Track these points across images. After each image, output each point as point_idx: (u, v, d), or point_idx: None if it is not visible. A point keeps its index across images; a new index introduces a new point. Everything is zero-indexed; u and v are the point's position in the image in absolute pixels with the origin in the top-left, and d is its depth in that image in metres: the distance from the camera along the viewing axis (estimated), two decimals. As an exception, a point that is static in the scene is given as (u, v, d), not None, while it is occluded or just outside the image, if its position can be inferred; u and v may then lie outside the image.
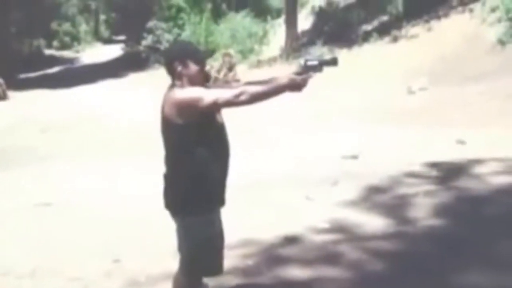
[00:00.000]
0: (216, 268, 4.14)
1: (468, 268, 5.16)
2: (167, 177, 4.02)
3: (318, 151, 10.07)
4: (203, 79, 4.00)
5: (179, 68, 3.92)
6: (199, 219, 3.95)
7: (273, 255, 5.80)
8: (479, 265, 5.21)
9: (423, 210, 6.72)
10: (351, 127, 11.79)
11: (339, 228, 6.37)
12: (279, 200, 7.42)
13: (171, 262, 5.62)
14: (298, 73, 3.81)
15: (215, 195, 4.01)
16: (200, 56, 4.06)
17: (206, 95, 3.79)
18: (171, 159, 3.98)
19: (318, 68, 3.83)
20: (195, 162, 3.88)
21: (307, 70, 3.81)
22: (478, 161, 8.35)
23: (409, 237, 6.04)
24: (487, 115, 11.42)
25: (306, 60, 3.84)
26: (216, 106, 3.83)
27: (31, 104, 19.78)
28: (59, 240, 6.58)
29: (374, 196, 7.34)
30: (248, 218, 6.81)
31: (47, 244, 6.52)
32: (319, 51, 4.42)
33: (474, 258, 5.37)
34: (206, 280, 4.27)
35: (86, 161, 10.84)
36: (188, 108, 3.78)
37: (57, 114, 16.82)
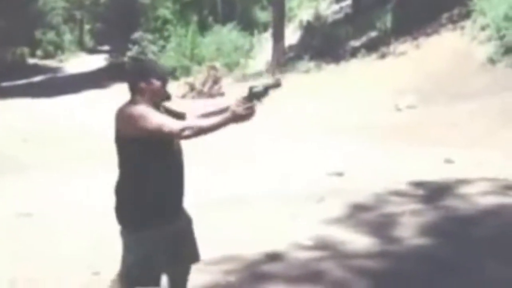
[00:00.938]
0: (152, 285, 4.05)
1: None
2: (115, 192, 4.06)
3: (303, 167, 9.94)
4: (165, 96, 4.10)
5: (143, 84, 4.02)
6: (140, 235, 3.95)
7: (256, 271, 5.68)
8: (465, 286, 5.09)
9: (409, 229, 6.61)
10: (337, 144, 11.69)
11: (323, 245, 6.24)
12: (263, 217, 7.27)
13: None
14: (244, 101, 3.83)
15: (159, 213, 3.96)
16: (162, 73, 4.17)
17: (154, 118, 3.85)
18: (119, 174, 4.04)
19: (263, 93, 3.89)
20: (138, 178, 3.95)
21: (253, 97, 3.86)
22: (465, 181, 8.26)
23: (394, 256, 5.92)
24: (476, 134, 11.36)
25: (251, 88, 3.91)
26: (159, 133, 3.84)
27: (13, 113, 19.55)
28: (39, 251, 6.44)
29: (359, 214, 7.22)
30: (231, 234, 6.67)
31: (26, 255, 6.38)
32: (265, 80, 4.47)
33: (460, 279, 5.27)
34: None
35: (68, 172, 10.66)
36: (135, 124, 3.85)
37: (39, 124, 16.62)
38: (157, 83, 4.04)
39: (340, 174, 9.13)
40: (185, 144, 4.08)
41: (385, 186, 8.16)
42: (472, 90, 14.62)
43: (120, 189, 4.03)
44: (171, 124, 3.85)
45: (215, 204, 7.83)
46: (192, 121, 3.97)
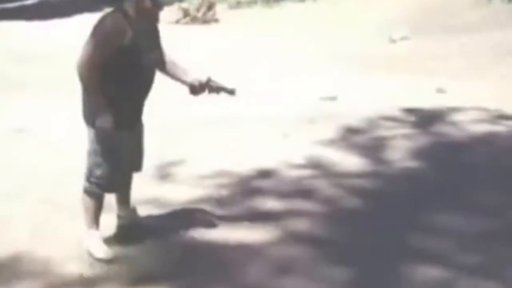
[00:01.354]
0: (112, 185, 4.41)
1: (441, 210, 5.14)
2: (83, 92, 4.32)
3: (295, 92, 9.90)
4: (154, 19, 4.30)
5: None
6: (101, 132, 4.21)
7: (247, 187, 5.74)
8: (453, 207, 5.19)
9: (399, 152, 6.68)
10: (330, 72, 11.62)
11: (314, 164, 6.30)
12: (255, 136, 7.30)
13: (149, 186, 5.61)
14: (199, 83, 4.40)
15: (121, 117, 4.16)
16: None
17: (96, 44, 4.10)
18: None
19: (215, 90, 4.47)
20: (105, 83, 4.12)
21: (205, 87, 4.43)
22: (457, 109, 8.29)
23: (384, 176, 6.00)
24: (469, 67, 11.32)
25: (209, 80, 4.41)
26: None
27: (6, 35, 19.29)
28: (30, 165, 6.44)
29: (352, 137, 7.26)
30: (223, 151, 6.72)
31: (17, 168, 6.38)
32: (224, 85, 4.79)
33: (448, 200, 5.35)
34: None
35: (59, 92, 10.61)
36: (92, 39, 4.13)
37: (33, 45, 16.41)
38: (149, 3, 4.15)
39: (332, 99, 9.12)
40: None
41: (378, 112, 8.17)
42: (466, 24, 14.54)
43: (87, 92, 4.27)
44: (89, 59, 4.09)
45: (207, 123, 7.85)
46: (93, 77, 4.11)
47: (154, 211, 5.15)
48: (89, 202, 4.46)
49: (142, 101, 4.41)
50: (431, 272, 4.14)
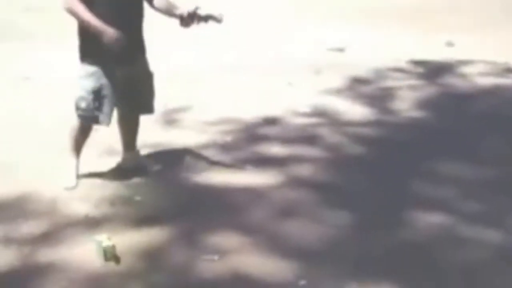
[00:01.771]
0: (95, 118, 4.50)
1: (445, 158, 5.16)
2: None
3: (302, 42, 9.86)
4: None
5: None
6: (85, 67, 4.40)
7: (252, 133, 5.77)
8: (457, 156, 5.21)
9: (406, 102, 6.68)
10: (338, 24, 11.52)
11: (320, 113, 6.31)
12: (260, 85, 7.31)
13: (154, 131, 5.65)
14: (188, 14, 4.38)
15: (105, 54, 4.27)
16: None
17: None
18: None
19: (204, 19, 4.42)
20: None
21: (194, 16, 4.38)
22: (465, 62, 8.28)
23: (389, 125, 6.01)
24: (480, 21, 11.24)
25: (197, 8, 4.38)
26: None
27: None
28: (34, 111, 6.47)
29: (358, 86, 7.26)
30: (228, 99, 6.74)
31: (21, 114, 6.41)
32: (212, 12, 4.78)
33: (452, 149, 5.37)
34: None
35: (65, 41, 10.57)
36: None
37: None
38: None
39: (340, 50, 9.09)
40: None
41: (385, 63, 8.17)
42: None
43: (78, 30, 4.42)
44: None
45: (215, 70, 7.86)
46: (80, 6, 4.19)
47: (159, 155, 5.19)
48: (74, 131, 4.65)
49: (128, 38, 4.32)
50: (433, 218, 4.16)
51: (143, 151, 5.12)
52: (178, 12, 4.46)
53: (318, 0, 14.22)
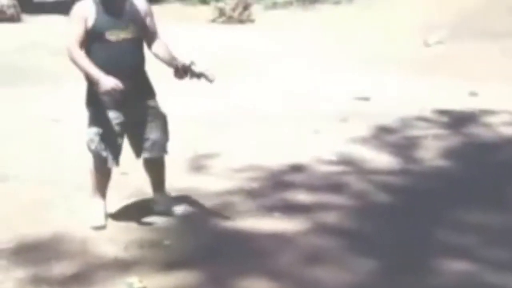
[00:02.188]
0: (105, 160, 4.66)
1: (469, 206, 5.18)
2: None
3: (328, 90, 10.00)
4: None
5: None
6: (93, 112, 4.62)
7: (279, 180, 5.85)
8: (483, 204, 5.24)
9: (430, 151, 6.74)
10: (364, 73, 11.69)
11: (345, 161, 6.39)
12: (287, 132, 7.43)
13: (182, 176, 5.79)
14: (182, 66, 4.51)
15: (109, 97, 4.45)
16: None
17: (70, 24, 4.50)
18: None
19: (196, 75, 4.52)
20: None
21: (187, 71, 4.51)
22: (489, 112, 8.33)
23: (414, 174, 6.07)
24: (503, 71, 11.29)
25: (192, 63, 4.50)
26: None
27: (44, 28, 19.57)
28: (65, 153, 6.60)
29: (383, 135, 7.34)
30: (255, 145, 6.85)
31: (53, 156, 6.56)
32: (204, 70, 4.93)
33: (478, 197, 5.40)
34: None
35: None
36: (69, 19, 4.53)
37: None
38: None
39: (366, 99, 9.19)
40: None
41: (410, 112, 8.25)
42: (503, 30, 14.45)
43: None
44: (69, 40, 4.43)
45: (240, 116, 8.01)
46: (79, 53, 4.42)
47: (187, 200, 5.28)
48: (93, 173, 4.80)
49: (127, 82, 4.42)
50: (459, 266, 4.18)
51: (171, 196, 5.22)
52: (174, 62, 4.57)
53: (343, 50, 14.44)
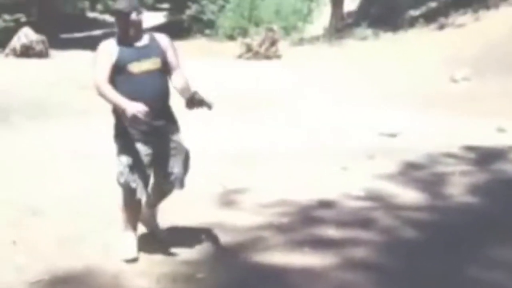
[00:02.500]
0: (134, 192, 4.75)
1: (499, 243, 5.20)
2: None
3: (355, 126, 10.11)
4: (125, 30, 4.76)
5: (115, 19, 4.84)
6: (119, 145, 4.76)
7: (308, 215, 5.92)
8: (508, 241, 5.24)
9: (458, 188, 6.77)
10: (390, 108, 11.80)
11: (373, 196, 6.45)
12: (314, 167, 7.52)
13: (212, 211, 5.92)
14: (189, 97, 4.69)
15: (136, 129, 4.66)
16: (116, 6, 4.80)
17: (97, 62, 4.71)
18: None
19: (199, 103, 4.68)
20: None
21: (192, 99, 4.67)
22: (517, 148, 8.35)
23: (442, 210, 6.11)
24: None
25: (195, 93, 4.69)
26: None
27: (71, 63, 19.96)
28: (97, 187, 6.69)
29: (411, 172, 7.39)
30: (284, 181, 6.93)
31: (86, 191, 6.67)
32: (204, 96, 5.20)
33: (506, 234, 5.40)
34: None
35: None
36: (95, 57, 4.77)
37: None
38: (118, 18, 4.75)
39: (393, 135, 9.26)
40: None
41: (437, 149, 8.29)
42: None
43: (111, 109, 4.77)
44: (97, 75, 4.63)
45: (268, 151, 8.11)
46: (106, 86, 4.59)
47: (217, 235, 5.37)
48: (123, 205, 4.92)
49: (155, 114, 4.61)
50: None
51: (202, 230, 5.35)
52: (186, 94, 4.75)
53: (369, 85, 14.54)
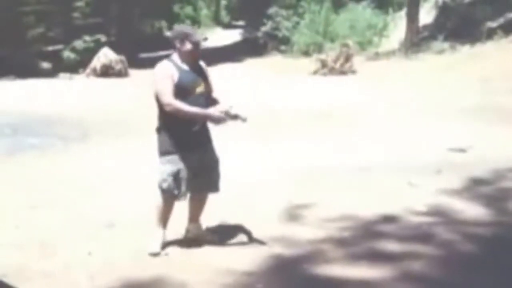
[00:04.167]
0: (176, 196, 5.49)
1: None
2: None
3: (424, 141, 10.11)
4: (196, 58, 5.47)
5: (178, 45, 5.40)
6: (165, 157, 5.42)
7: (370, 229, 6.06)
8: None
9: (524, 203, 6.76)
10: (464, 122, 11.70)
11: (436, 212, 6.52)
12: (380, 183, 7.61)
13: (276, 225, 6.17)
14: (221, 111, 5.34)
15: (182, 143, 5.36)
16: (196, 38, 5.43)
17: (161, 83, 5.33)
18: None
19: (232, 117, 5.33)
20: (165, 119, 5.39)
21: (228, 114, 5.32)
22: None
23: (505, 225, 6.13)
24: None
25: (231, 107, 5.34)
26: (159, 96, 5.35)
27: (150, 82, 20.52)
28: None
29: (477, 187, 7.39)
30: (349, 197, 7.06)
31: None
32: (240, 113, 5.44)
33: None
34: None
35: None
36: (154, 81, 5.41)
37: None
38: (189, 46, 5.36)
39: (462, 151, 9.22)
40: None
41: (506, 164, 8.22)
42: None
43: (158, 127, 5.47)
44: (165, 95, 5.27)
45: (336, 168, 8.29)
46: (179, 103, 5.25)
47: (279, 247, 5.59)
48: (159, 208, 5.59)
49: (199, 129, 5.42)
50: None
51: (264, 243, 5.64)
52: (220, 108, 5.42)
53: (446, 100, 14.43)
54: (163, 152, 5.43)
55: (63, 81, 22.38)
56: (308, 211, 6.66)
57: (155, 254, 5.42)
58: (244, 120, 5.34)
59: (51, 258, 5.40)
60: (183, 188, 5.43)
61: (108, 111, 14.14)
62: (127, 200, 7.07)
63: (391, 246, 5.60)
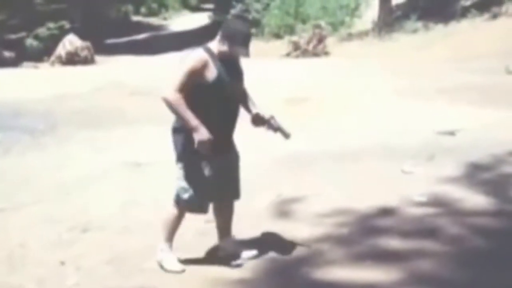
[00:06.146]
0: (199, 207, 4.85)
1: None
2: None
3: (409, 124, 9.70)
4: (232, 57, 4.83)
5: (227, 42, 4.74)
6: (188, 161, 4.76)
7: (368, 225, 5.63)
8: None
9: (528, 189, 6.37)
10: (445, 104, 11.34)
11: (436, 202, 6.09)
12: (373, 172, 7.17)
13: (268, 222, 5.69)
14: (261, 117, 4.88)
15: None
16: (247, 42, 4.82)
17: (180, 74, 4.63)
18: None
19: (273, 129, 4.89)
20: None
21: (265, 122, 4.88)
22: None
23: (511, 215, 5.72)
24: None
25: (272, 117, 4.89)
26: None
27: (118, 69, 19.95)
28: (149, 198, 6.56)
29: (475, 173, 6.97)
30: (340, 187, 6.63)
31: (137, 201, 6.51)
32: (283, 127, 5.14)
33: None
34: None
35: (168, 126, 10.82)
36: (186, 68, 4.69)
37: (144, 79, 16.86)
38: (234, 48, 4.71)
39: (451, 134, 8.83)
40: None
41: (502, 147, 7.79)
42: None
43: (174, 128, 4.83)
44: (175, 85, 4.58)
45: (323, 155, 7.84)
46: (181, 101, 4.56)
47: (274, 249, 5.14)
48: (171, 219, 4.91)
49: (228, 132, 4.85)
50: None
51: (257, 244, 5.15)
52: (254, 110, 4.91)
53: (421, 80, 14.07)
54: (181, 154, 4.78)
55: (28, 70, 21.65)
56: (299, 205, 6.21)
57: (181, 271, 4.82)
58: (287, 136, 4.93)
59: (20, 272, 4.87)
60: (206, 197, 4.83)
61: (75, 101, 13.51)
62: (100, 200, 6.64)
63: (395, 243, 5.17)
